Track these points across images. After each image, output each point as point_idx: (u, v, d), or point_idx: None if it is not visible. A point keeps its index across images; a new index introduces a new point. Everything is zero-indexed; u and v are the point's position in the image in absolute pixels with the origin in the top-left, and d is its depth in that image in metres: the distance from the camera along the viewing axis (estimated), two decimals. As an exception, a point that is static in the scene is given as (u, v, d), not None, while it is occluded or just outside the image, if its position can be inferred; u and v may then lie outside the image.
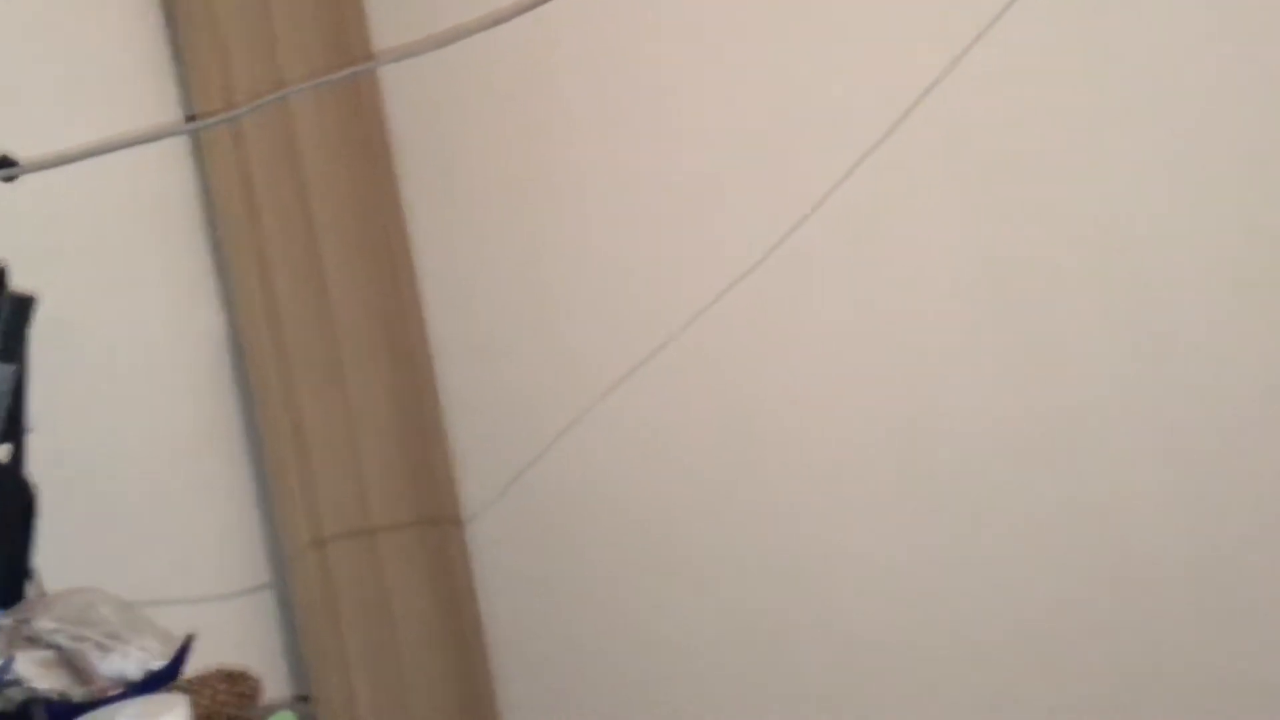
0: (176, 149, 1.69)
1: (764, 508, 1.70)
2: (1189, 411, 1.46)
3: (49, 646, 1.23)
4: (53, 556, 1.33)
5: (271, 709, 1.26)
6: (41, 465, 1.31)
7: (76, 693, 1.18)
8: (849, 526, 1.65)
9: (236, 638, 1.63)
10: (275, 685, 1.67)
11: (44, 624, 1.23)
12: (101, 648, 1.22)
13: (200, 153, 1.70)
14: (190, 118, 1.68)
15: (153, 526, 1.57)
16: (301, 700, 1.59)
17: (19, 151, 1.36)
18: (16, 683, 1.17)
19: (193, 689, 1.28)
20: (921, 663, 1.63)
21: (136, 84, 1.66)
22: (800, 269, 1.61)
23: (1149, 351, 1.46)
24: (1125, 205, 1.45)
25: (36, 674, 1.20)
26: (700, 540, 1.75)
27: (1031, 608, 1.56)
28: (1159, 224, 1.44)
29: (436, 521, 1.81)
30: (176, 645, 1.26)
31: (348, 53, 1.76)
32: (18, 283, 1.29)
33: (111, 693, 1.18)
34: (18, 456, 1.28)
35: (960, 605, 1.60)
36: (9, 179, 1.35)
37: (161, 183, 1.68)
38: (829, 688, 1.70)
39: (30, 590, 1.30)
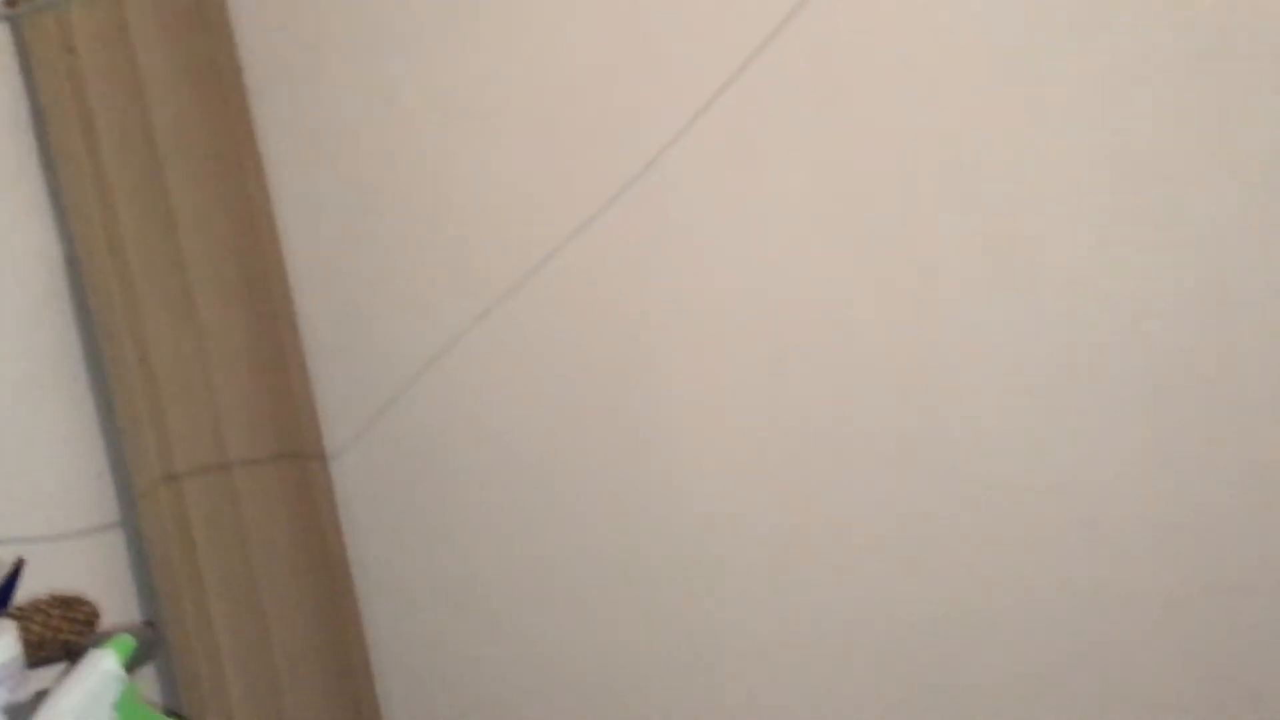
0: (4, 61, 1.60)
1: (640, 434, 1.67)
2: (1053, 335, 1.46)
3: None
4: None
5: (110, 634, 1.19)
6: None
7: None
8: (729, 450, 1.63)
9: (85, 576, 1.54)
10: (126, 618, 1.60)
11: None
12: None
13: (30, 68, 1.61)
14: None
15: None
16: (147, 625, 1.51)
17: None
18: None
19: (24, 615, 1.21)
20: (800, 582, 1.62)
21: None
22: (671, 189, 1.58)
23: (1013, 275, 1.46)
24: (988, 128, 1.43)
25: None
26: (575, 471, 1.71)
27: (891, 523, 1.56)
28: (1020, 144, 1.42)
29: (297, 456, 1.75)
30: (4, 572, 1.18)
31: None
32: None
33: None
34: None
35: (823, 521, 1.59)
36: None
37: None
38: (701, 612, 1.68)
39: None
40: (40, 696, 1.09)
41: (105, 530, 1.62)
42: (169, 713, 1.35)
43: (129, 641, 1.14)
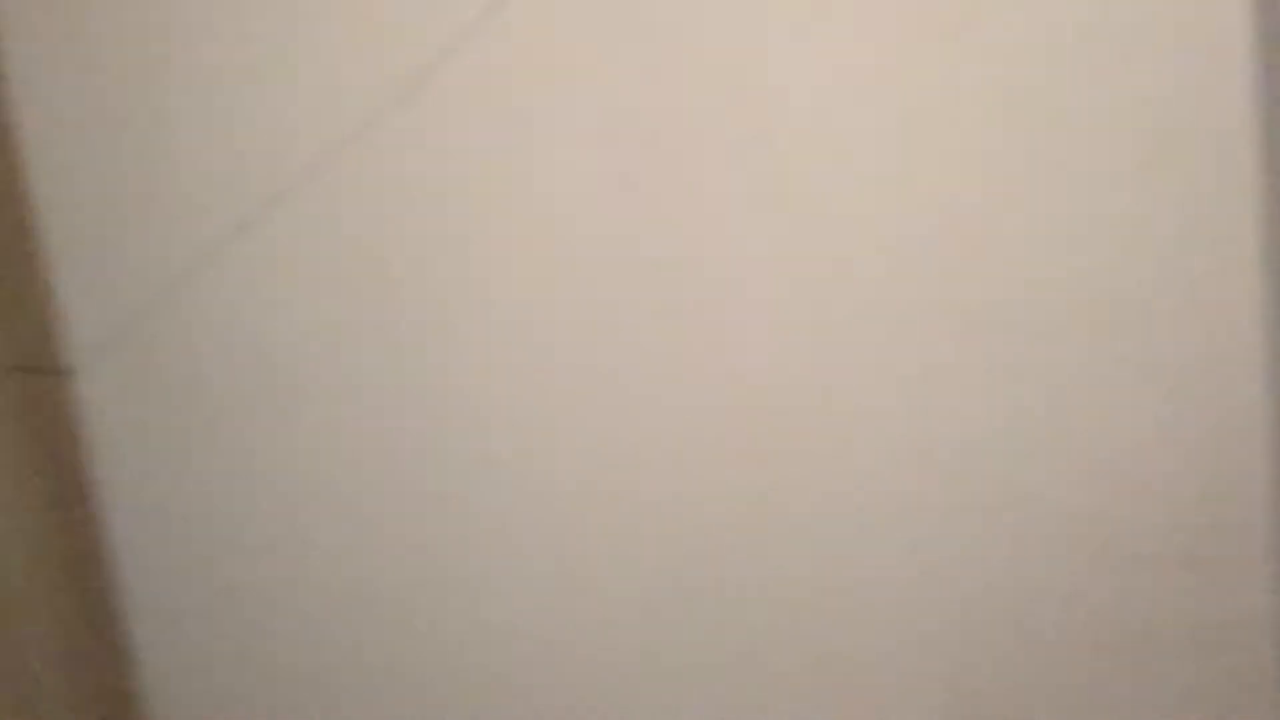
0: None
1: (405, 342, 1.58)
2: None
3: None
4: None
5: None
6: None
7: None
8: (503, 351, 1.58)
9: None
10: None
11: None
12: None
13: None
14: None
15: None
16: None
17: None
18: None
19: None
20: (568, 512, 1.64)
21: None
22: (440, 113, 1.49)
23: (788, 209, 1.51)
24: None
25: None
26: (339, 386, 1.63)
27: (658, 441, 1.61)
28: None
29: (32, 370, 1.57)
30: None
31: None
32: None
33: None
34: None
35: (587, 432, 1.61)
36: None
37: None
38: (468, 519, 1.66)
39: None
40: None
41: None
42: None
43: None
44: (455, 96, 1.50)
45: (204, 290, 1.55)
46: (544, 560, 1.70)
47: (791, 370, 1.59)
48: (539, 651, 1.71)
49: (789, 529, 1.63)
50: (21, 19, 1.43)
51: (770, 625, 1.66)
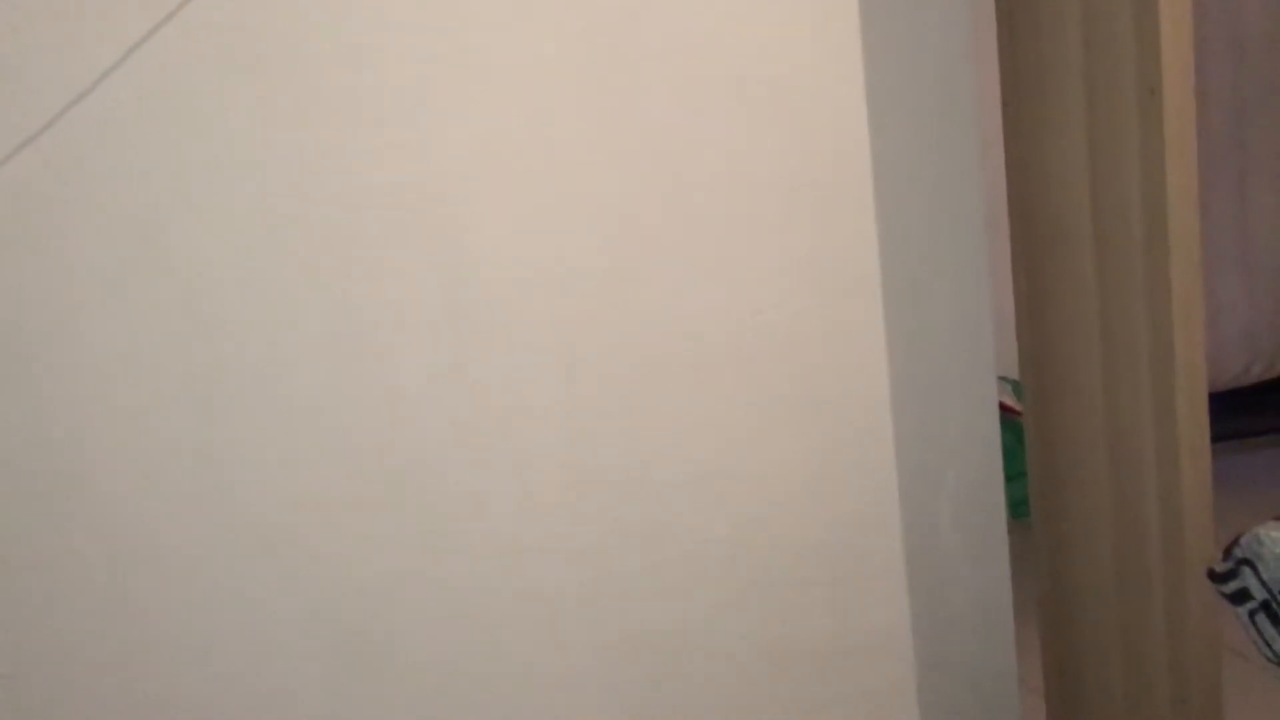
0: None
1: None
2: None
3: None
4: None
5: None
6: None
7: None
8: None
9: None
10: None
11: None
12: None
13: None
14: None
15: None
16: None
17: None
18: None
19: None
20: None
21: None
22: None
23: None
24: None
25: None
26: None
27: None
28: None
29: None
30: None
31: None
32: None
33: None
34: None
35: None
36: None
37: None
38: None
39: None
40: None
41: None
42: None
43: None
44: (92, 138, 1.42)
45: None
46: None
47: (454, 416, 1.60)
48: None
49: (474, 559, 1.64)
50: None
51: (465, 639, 1.67)
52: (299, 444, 1.54)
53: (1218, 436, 1.76)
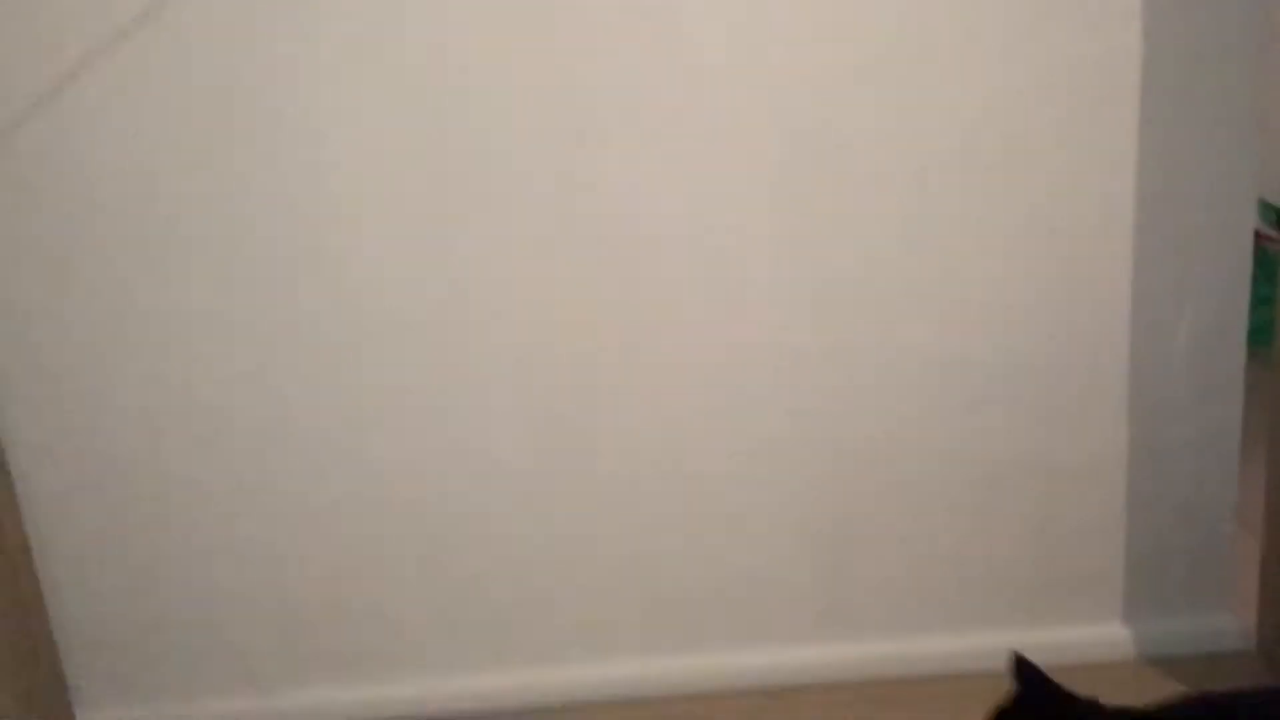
0: None
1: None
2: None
3: None
4: None
5: None
6: None
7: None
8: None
9: None
10: None
11: None
12: None
13: None
14: None
15: None
16: None
17: None
18: None
19: None
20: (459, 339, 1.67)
21: None
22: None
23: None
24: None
25: None
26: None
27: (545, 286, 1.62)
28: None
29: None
30: None
31: None
32: None
33: None
34: None
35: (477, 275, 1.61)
36: None
37: None
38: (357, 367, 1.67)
39: None
40: None
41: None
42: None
43: None
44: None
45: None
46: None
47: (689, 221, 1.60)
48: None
49: (674, 363, 1.67)
50: None
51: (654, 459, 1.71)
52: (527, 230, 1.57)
53: None
